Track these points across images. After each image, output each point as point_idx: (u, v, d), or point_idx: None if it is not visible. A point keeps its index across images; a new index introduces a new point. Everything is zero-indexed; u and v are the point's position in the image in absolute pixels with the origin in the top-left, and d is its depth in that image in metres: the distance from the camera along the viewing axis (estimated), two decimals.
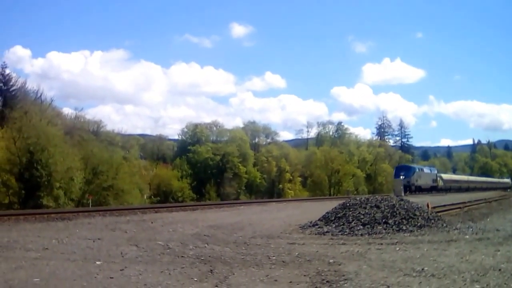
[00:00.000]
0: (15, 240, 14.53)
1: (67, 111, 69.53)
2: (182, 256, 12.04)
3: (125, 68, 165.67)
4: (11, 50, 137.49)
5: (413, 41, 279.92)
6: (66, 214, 24.60)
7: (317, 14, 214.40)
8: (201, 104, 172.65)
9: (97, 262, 10.99)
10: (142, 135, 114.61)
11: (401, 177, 68.87)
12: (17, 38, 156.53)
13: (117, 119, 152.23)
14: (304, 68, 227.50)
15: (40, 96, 64.46)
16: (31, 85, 72.41)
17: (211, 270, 10.22)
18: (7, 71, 60.95)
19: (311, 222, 19.95)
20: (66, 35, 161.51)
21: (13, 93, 59.30)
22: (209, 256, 12.09)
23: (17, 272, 9.79)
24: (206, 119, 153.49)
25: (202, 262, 11.29)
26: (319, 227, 18.76)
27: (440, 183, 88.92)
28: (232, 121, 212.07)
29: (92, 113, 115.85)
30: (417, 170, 79.84)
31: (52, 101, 65.80)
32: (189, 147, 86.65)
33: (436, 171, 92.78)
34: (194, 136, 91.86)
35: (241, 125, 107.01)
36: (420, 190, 75.44)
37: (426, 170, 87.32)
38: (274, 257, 11.99)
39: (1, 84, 59.35)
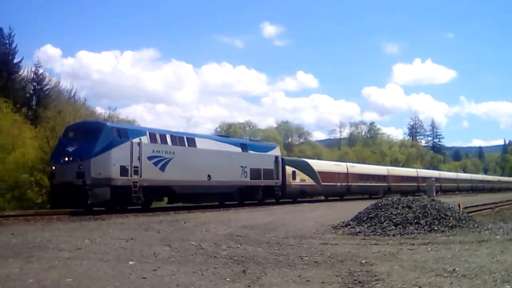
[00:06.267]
0: (48, 240, 14.63)
1: (100, 110, 69.69)
2: (215, 257, 11.98)
3: (156, 68, 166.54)
4: (42, 49, 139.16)
5: (444, 42, 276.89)
6: (100, 214, 24.88)
7: (348, 14, 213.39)
8: (233, 103, 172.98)
9: (130, 262, 11.00)
10: None
11: (66, 158, 26.41)
12: (48, 37, 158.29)
13: (150, 119, 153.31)
14: (336, 68, 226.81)
15: (74, 95, 65.22)
16: (64, 84, 73.18)
17: (244, 271, 10.16)
18: (41, 70, 62.07)
19: (343, 222, 19.86)
20: (96, 34, 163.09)
21: (46, 92, 60.24)
22: (242, 256, 12.03)
23: (50, 272, 9.81)
24: (239, 118, 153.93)
25: (235, 262, 11.23)
26: (351, 227, 18.68)
27: (302, 180, 46.89)
28: (264, 121, 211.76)
29: (125, 113, 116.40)
30: (136, 137, 28.64)
31: (85, 100, 66.23)
32: None
33: (276, 149, 43.22)
34: (228, 135, 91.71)
35: (274, 125, 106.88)
36: (180, 197, 33.35)
37: (215, 142, 36.26)
38: (306, 258, 11.89)
39: (35, 83, 60.41)
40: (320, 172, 50.35)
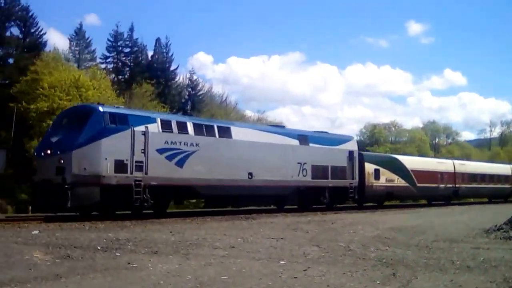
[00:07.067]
0: (203, 238, 15.39)
1: (250, 113, 72.52)
2: (364, 258, 11.96)
3: (302, 70, 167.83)
4: (195, 56, 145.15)
5: None
6: (251, 214, 25.66)
7: (496, 7, 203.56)
8: (378, 104, 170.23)
9: (281, 262, 11.24)
10: None
11: (48, 151, 21.75)
12: (200, 45, 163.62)
13: (295, 120, 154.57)
14: (486, 64, 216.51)
15: (225, 99, 69.34)
16: (216, 89, 77.02)
17: (394, 273, 10.04)
18: (195, 76, 66.20)
19: (495, 226, 18.99)
20: (245, 41, 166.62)
21: (200, 97, 63.98)
22: (391, 259, 11.89)
23: (206, 269, 10.28)
24: (383, 119, 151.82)
25: (384, 264, 11.13)
26: (504, 231, 17.81)
27: (388, 180, 39.48)
28: (410, 121, 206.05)
29: (273, 115, 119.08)
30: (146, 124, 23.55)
31: (236, 104, 70.40)
32: (367, 148, 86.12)
33: (350, 143, 36.02)
34: (372, 136, 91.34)
35: (420, 125, 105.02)
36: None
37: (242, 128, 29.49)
38: (458, 262, 11.54)
39: (190, 89, 64.24)
40: (415, 171, 42.50)
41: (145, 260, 11.20)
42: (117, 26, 65.05)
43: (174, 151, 24.24)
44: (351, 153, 34.51)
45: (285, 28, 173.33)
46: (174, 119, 25.79)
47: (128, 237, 15.24)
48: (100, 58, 63.10)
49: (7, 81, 48.33)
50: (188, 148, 24.71)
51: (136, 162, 22.56)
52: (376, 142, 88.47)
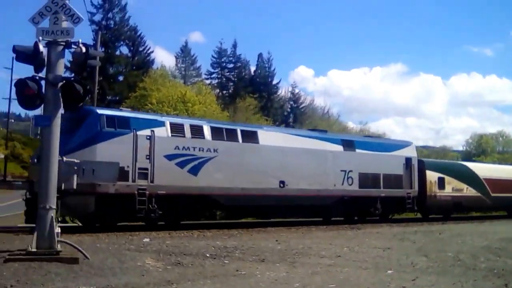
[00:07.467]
0: (309, 247, 15.52)
1: (352, 125, 72.73)
2: (474, 269, 11.70)
3: (404, 82, 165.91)
4: (296, 70, 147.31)
5: None
6: (355, 224, 25.69)
7: None
8: (484, 114, 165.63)
9: (389, 271, 11.18)
10: (425, 147, 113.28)
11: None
12: (301, 59, 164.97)
13: (399, 131, 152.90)
14: None
15: (327, 111, 69.81)
16: (317, 102, 77.79)
17: (506, 284, 9.77)
18: (296, 90, 67.48)
19: None
20: (345, 54, 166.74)
21: (302, 110, 65.01)
22: (502, 269, 11.57)
23: (314, 278, 10.38)
24: (490, 129, 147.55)
25: (495, 275, 10.84)
26: None
27: (456, 189, 35.79)
28: None
29: (375, 127, 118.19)
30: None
31: (338, 116, 70.65)
32: (474, 158, 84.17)
33: (408, 149, 32.50)
34: (479, 147, 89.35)
35: None
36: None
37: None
38: None
39: (292, 102, 65.46)
40: (488, 180, 38.04)
41: (253, 268, 11.44)
42: (221, 43, 67.27)
43: (187, 157, 22.28)
44: (408, 160, 31.40)
45: (386, 39, 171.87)
46: (187, 122, 23.66)
47: (236, 245, 15.60)
48: (205, 74, 65.36)
49: (117, 97, 50.77)
50: (204, 154, 22.70)
51: (139, 169, 20.77)
52: (483, 152, 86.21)
